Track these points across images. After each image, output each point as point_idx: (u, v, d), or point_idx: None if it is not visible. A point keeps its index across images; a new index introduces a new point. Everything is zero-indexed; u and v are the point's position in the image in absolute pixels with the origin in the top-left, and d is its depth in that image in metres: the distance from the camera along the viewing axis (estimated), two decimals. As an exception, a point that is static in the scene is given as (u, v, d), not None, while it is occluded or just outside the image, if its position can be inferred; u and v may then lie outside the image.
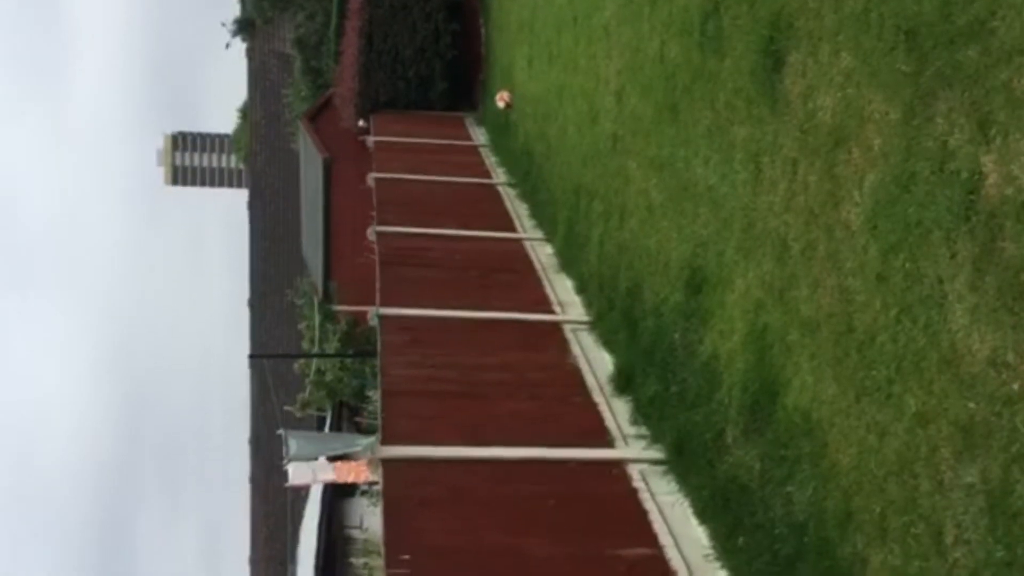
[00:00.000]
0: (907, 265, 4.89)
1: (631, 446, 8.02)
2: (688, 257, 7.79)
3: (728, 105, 7.29)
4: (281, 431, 15.35)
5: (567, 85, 12.69)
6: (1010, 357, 4.16)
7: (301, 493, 19.79)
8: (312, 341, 25.00)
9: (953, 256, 4.56)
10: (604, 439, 8.19)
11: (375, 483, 14.23)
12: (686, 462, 7.20)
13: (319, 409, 23.09)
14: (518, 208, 14.41)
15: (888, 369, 4.98)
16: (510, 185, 15.40)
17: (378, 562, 13.77)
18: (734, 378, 6.70)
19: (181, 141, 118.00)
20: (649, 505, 7.17)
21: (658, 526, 6.91)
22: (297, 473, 13.61)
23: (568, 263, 11.65)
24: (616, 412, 8.57)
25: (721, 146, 7.36)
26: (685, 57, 8.31)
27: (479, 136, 18.91)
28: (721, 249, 7.18)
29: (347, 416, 21.55)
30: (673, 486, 7.29)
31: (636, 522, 6.96)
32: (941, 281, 4.63)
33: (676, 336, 7.81)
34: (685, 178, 8.02)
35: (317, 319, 24.44)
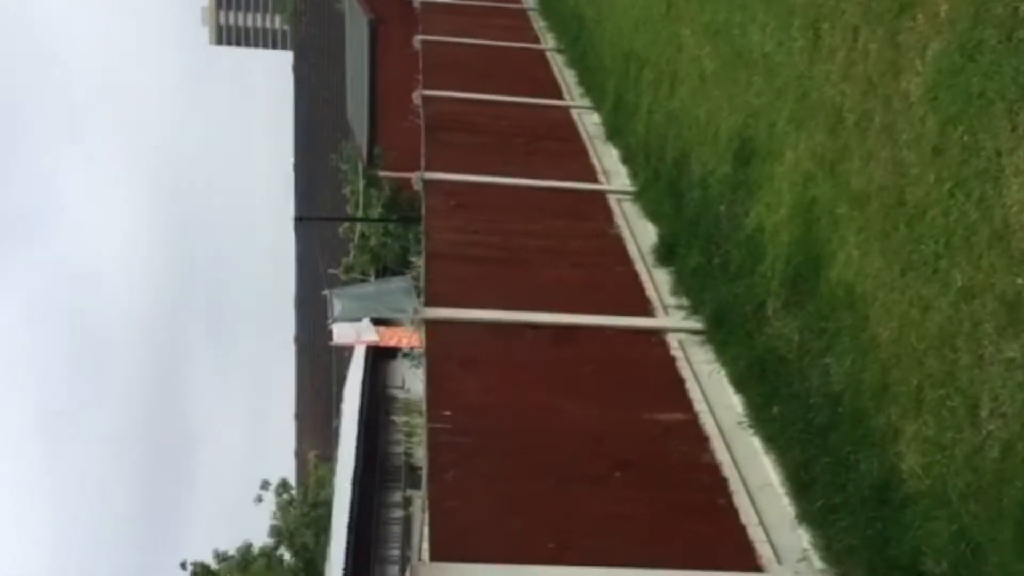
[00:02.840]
0: (965, 138, 4.77)
1: (671, 316, 8.09)
2: (738, 127, 7.65)
3: (789, -32, 7.00)
4: (327, 291, 15.71)
5: (621, -55, 12.21)
6: (1064, 234, 4.09)
7: (344, 353, 20.38)
8: (356, 206, 25.19)
9: (1014, 129, 4.43)
10: (644, 308, 8.26)
11: (416, 346, 14.61)
12: (725, 332, 7.26)
13: (362, 273, 23.47)
14: (566, 75, 14.13)
15: (937, 244, 4.92)
16: (558, 51, 15.07)
17: (418, 420, 14.26)
18: (778, 251, 6.67)
19: (226, 0, 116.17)
20: (686, 373, 7.28)
21: (694, 393, 7.03)
22: (342, 333, 14.02)
23: (615, 132, 11.49)
24: (657, 282, 8.60)
25: (779, 12, 7.11)
26: (747, -85, 7.93)
27: (528, 0, 18.41)
28: (773, 119, 7.03)
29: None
30: (710, 355, 7.38)
31: (672, 388, 7.08)
32: (999, 155, 4.52)
33: (722, 208, 7.76)
34: (740, 45, 7.79)
35: (361, 184, 24.54)
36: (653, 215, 9.50)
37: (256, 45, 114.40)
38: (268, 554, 19.73)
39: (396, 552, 14.41)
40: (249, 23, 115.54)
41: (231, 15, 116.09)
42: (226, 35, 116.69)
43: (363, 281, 22.47)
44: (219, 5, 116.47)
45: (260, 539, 20.11)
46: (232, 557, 19.88)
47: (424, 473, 6.37)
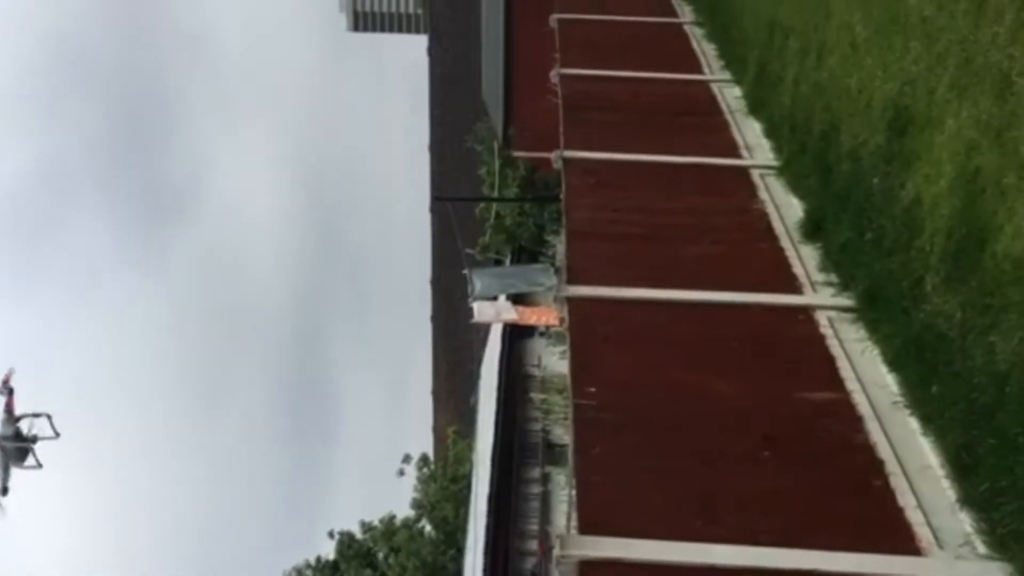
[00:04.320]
0: None
1: (819, 292, 7.87)
2: (894, 96, 7.34)
3: (951, -74, 6.65)
4: (466, 270, 15.96)
5: (764, -88, 11.86)
6: None
7: (480, 332, 20.68)
8: (492, 186, 25.44)
9: None
10: (791, 285, 8.07)
11: (553, 325, 14.68)
12: (878, 310, 7.02)
13: (498, 253, 23.71)
14: (705, 48, 13.87)
15: (1119, 214, 4.62)
16: (697, 24, 14.80)
17: (555, 398, 14.36)
18: (938, 224, 6.38)
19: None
20: (837, 351, 7.08)
21: (845, 371, 6.83)
22: (481, 311, 14.19)
23: (758, 105, 11.22)
24: (804, 258, 8.39)
25: (940, -27, 6.77)
26: None
27: (665, -28, 18.09)
28: (932, 87, 6.72)
29: (526, 260, 22.04)
30: (862, 333, 7.15)
31: (823, 367, 6.91)
32: None
33: (875, 181, 7.47)
34: (896, 9, 7.46)
35: (497, 164, 24.76)
36: (799, 189, 9.25)
37: (392, 30, 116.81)
38: (410, 526, 20.29)
39: (535, 527, 14.59)
40: (384, 8, 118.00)
41: (367, 2, 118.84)
42: (363, 21, 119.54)
43: (499, 263, 22.74)
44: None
45: (402, 511, 20.70)
46: (376, 528, 20.53)
47: (570, 449, 6.44)
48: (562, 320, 11.48)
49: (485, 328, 18.19)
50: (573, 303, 7.86)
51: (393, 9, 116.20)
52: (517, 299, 16.01)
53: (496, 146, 24.87)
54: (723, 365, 7.11)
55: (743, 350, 7.28)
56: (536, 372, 17.36)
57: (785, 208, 9.29)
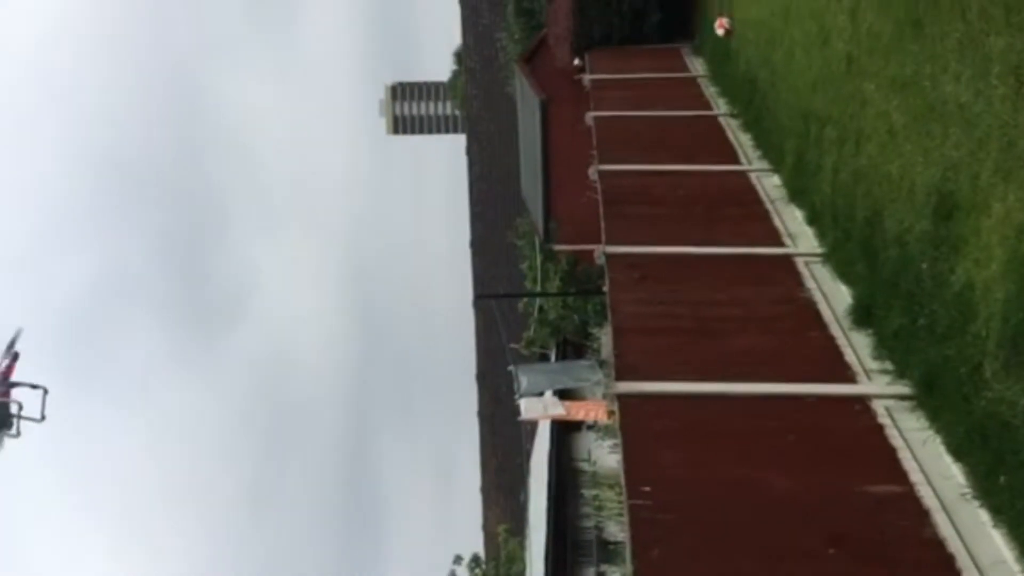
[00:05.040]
0: None
1: (874, 381, 7.73)
2: (936, 182, 7.33)
3: (983, 14, 6.73)
4: (511, 367, 15.96)
5: (793, 6, 12.11)
6: None
7: (527, 427, 20.55)
8: (534, 280, 25.62)
9: None
10: (844, 374, 7.94)
11: (602, 419, 14.54)
12: (937, 398, 6.87)
13: (542, 347, 23.72)
14: (741, 139, 14.01)
15: None
16: (732, 115, 14.97)
17: (607, 494, 14.13)
18: (992, 308, 6.29)
19: (400, 91, 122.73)
20: (897, 442, 6.91)
21: (908, 463, 6.66)
22: (529, 408, 14.14)
23: (797, 193, 11.24)
24: (856, 346, 8.27)
25: (974, 60, 6.82)
26: (930, -34, 7.71)
27: (696, 67, 18.44)
28: (975, 171, 6.70)
29: (571, 354, 22.00)
30: (923, 422, 6.99)
31: (884, 458, 6.73)
32: None
33: (923, 266, 7.40)
34: (932, 97, 7.51)
35: (538, 258, 24.98)
36: (846, 276, 9.19)
37: (430, 132, 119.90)
38: (464, 627, 19.85)
39: (592, 629, 14.17)
40: (423, 111, 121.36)
41: (406, 105, 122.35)
42: (401, 124, 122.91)
43: (544, 357, 22.71)
44: (394, 97, 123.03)
45: (454, 613, 20.28)
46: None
47: (628, 552, 6.30)
48: (611, 414, 11.38)
49: (532, 422, 18.07)
50: (623, 399, 7.79)
51: (431, 112, 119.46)
52: (564, 394, 15.93)
53: (537, 241, 25.17)
54: (781, 459, 6.96)
55: (800, 443, 7.14)
56: (587, 467, 17.13)
57: (833, 295, 9.21)
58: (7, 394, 16.90)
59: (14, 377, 17.11)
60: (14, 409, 17.07)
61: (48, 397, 17.13)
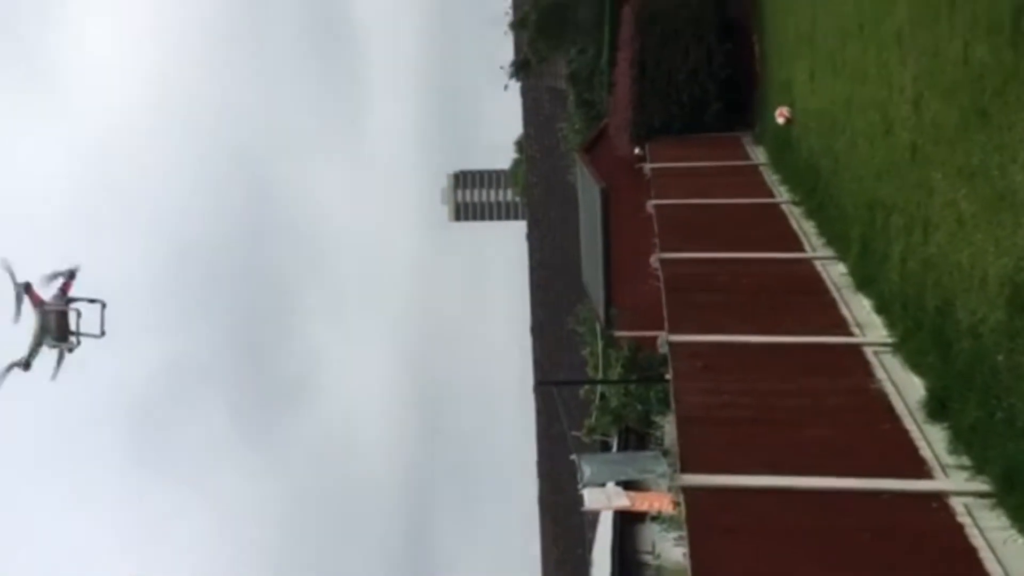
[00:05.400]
0: None
1: (952, 477, 7.47)
2: (1009, 272, 7.18)
3: (1051, 105, 6.68)
4: (574, 456, 15.79)
5: (855, 96, 12.14)
6: None
7: (590, 517, 20.18)
8: (595, 367, 25.46)
9: None
10: (920, 469, 7.69)
11: (667, 511, 14.24)
12: (1018, 495, 6.61)
13: (604, 434, 23.43)
14: (804, 226, 13.92)
15: None
16: (794, 203, 14.92)
17: (673, 588, 13.73)
18: (1075, 404, 6.07)
19: (462, 179, 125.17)
20: (978, 541, 6.64)
21: (990, 564, 6.38)
22: (592, 498, 13.95)
23: (864, 282, 11.08)
24: (931, 440, 8.02)
25: (1044, 150, 6.75)
26: (995, 57, 7.71)
27: (757, 155, 18.50)
28: (1050, 262, 6.56)
29: (633, 442, 21.71)
30: (1004, 520, 6.71)
31: (965, 559, 6.46)
32: None
33: (999, 358, 7.21)
34: (1001, 186, 7.42)
35: (600, 345, 24.87)
36: (918, 367, 8.97)
37: (491, 218, 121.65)
38: None
39: None
40: (484, 199, 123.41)
41: (467, 193, 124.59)
42: (463, 211, 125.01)
43: (606, 444, 22.43)
44: (456, 185, 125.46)
45: None
46: None
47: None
48: (676, 506, 11.13)
49: (595, 512, 17.76)
50: (689, 493, 7.64)
51: (492, 199, 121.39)
52: (627, 484, 15.68)
53: (598, 327, 25.09)
54: (856, 560, 6.73)
55: (876, 542, 6.89)
56: (651, 560, 16.72)
57: (904, 386, 8.98)
58: (64, 310, 16.70)
59: (72, 293, 16.87)
60: (72, 320, 16.81)
61: (106, 311, 16.73)
